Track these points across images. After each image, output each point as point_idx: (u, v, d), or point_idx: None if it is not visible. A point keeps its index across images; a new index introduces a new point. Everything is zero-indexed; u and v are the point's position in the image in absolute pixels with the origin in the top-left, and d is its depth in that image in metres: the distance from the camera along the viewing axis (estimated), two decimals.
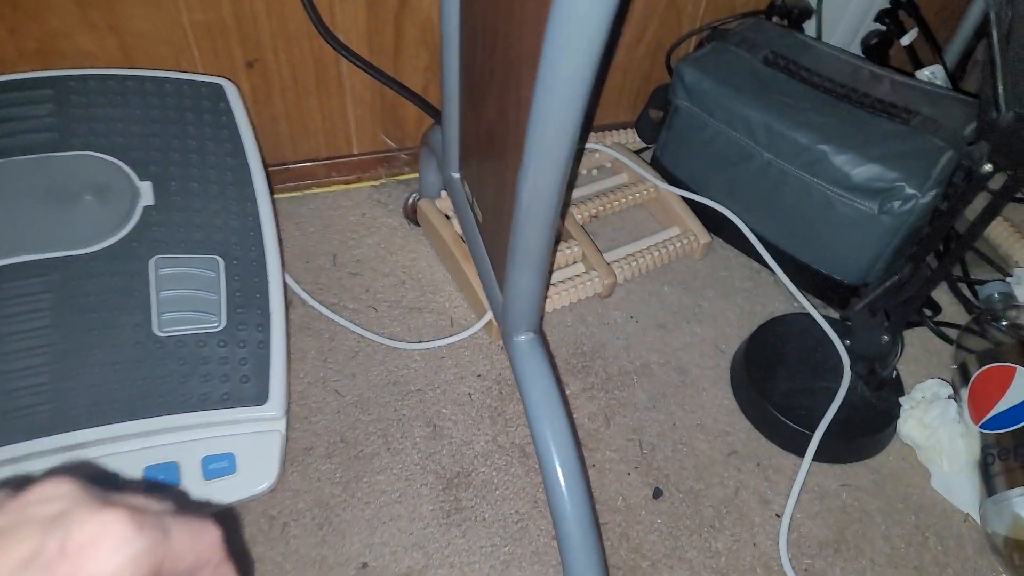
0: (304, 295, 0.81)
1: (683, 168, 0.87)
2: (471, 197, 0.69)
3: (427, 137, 0.79)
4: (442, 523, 0.65)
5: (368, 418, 0.72)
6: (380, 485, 0.68)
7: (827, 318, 0.77)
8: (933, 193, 0.70)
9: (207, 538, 0.26)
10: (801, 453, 0.70)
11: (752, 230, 0.83)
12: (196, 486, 0.57)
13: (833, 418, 0.69)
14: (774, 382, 0.73)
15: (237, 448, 0.59)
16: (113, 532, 0.22)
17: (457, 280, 0.82)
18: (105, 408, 0.57)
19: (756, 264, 0.86)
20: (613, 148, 0.91)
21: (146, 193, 0.66)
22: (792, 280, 0.81)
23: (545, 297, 0.58)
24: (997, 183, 0.59)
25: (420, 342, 0.78)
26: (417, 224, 0.88)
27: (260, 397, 0.61)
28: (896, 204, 0.71)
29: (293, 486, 0.66)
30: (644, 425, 0.73)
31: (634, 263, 0.82)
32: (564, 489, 0.55)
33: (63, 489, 0.23)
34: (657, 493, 0.68)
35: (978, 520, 0.66)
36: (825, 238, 0.77)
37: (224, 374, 0.60)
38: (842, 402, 0.71)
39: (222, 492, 0.58)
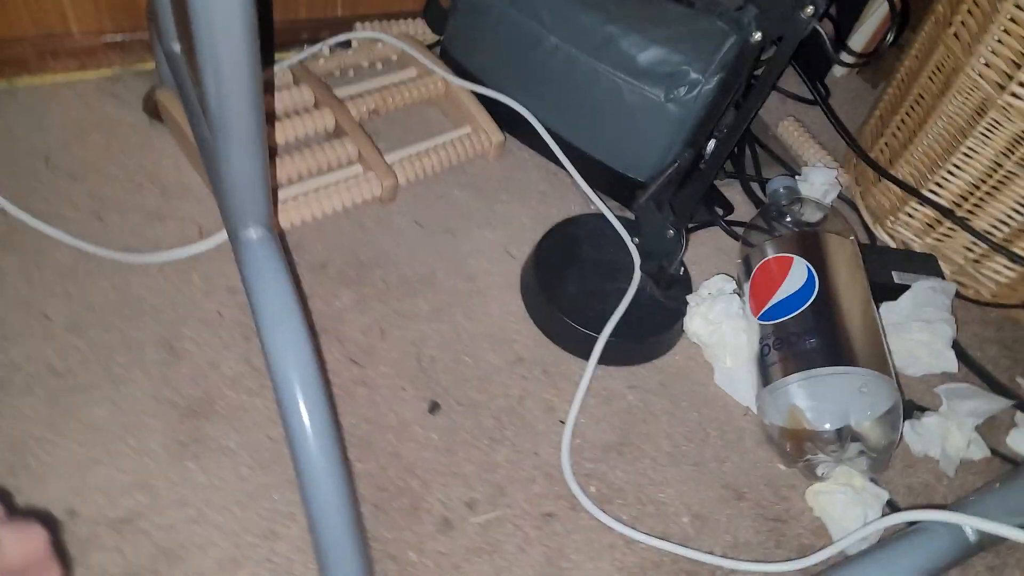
0: (3, 203, 0.65)
1: (473, 60, 0.79)
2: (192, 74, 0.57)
3: (149, 7, 0.65)
4: (175, 457, 0.55)
5: (84, 344, 0.59)
6: (97, 421, 0.56)
7: (620, 219, 0.74)
8: (717, 78, 0.66)
9: (35, 540, 0.29)
10: (589, 357, 0.66)
11: (546, 127, 0.77)
12: None
13: (621, 319, 0.66)
14: (563, 286, 0.68)
15: None
16: None
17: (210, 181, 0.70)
18: None
19: (553, 165, 0.81)
20: (399, 39, 0.81)
21: None
22: (586, 180, 0.76)
23: (269, 184, 0.48)
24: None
25: (156, 251, 0.65)
26: (161, 120, 0.74)
27: None
28: (682, 91, 0.67)
29: None
30: (424, 337, 0.66)
31: (418, 163, 0.74)
32: (306, 418, 0.47)
33: None
34: (434, 407, 0.62)
35: (756, 412, 0.65)
36: (616, 131, 0.72)
37: None
38: (631, 303, 0.67)
39: None
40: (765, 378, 0.62)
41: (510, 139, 0.81)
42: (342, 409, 0.60)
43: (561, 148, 0.76)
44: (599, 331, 0.65)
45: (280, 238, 0.66)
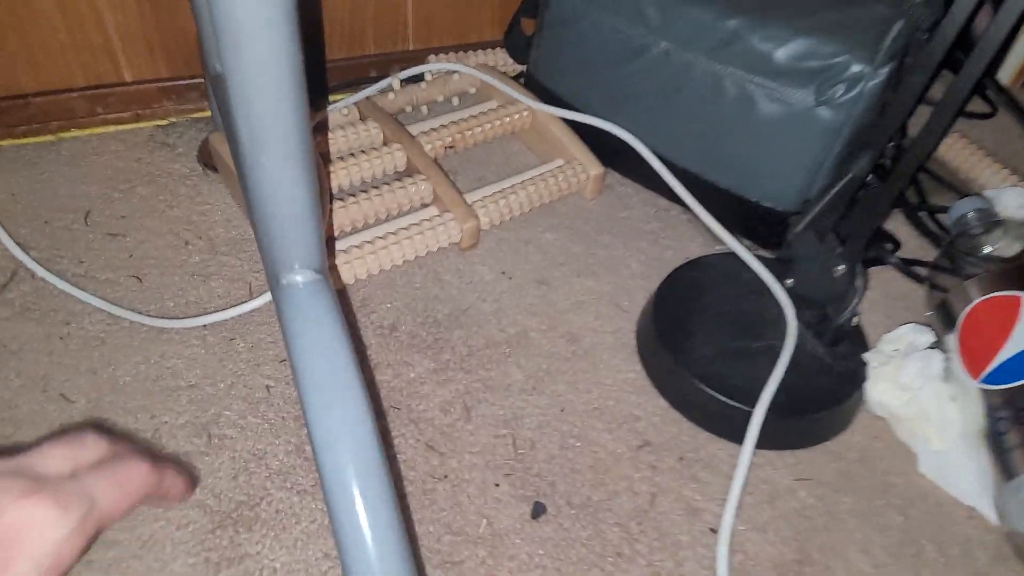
0: (32, 264, 0.56)
1: (564, 83, 0.67)
2: None
3: (200, 44, 0.56)
4: None
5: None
6: (110, 533, 0.44)
7: (759, 257, 0.58)
8: (887, 70, 0.52)
9: (136, 479, 0.26)
10: (739, 439, 0.50)
11: (655, 152, 0.63)
12: None
13: (778, 387, 0.50)
14: (695, 344, 0.53)
15: None
16: (39, 519, 0.22)
17: None
18: None
19: (663, 200, 0.67)
20: (477, 69, 0.70)
21: None
22: (710, 214, 0.62)
23: (321, 218, 0.37)
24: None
25: (198, 316, 0.54)
26: (215, 170, 0.65)
27: None
28: (838, 89, 0.53)
29: None
30: (520, 415, 0.52)
31: (504, 203, 0.62)
32: (366, 528, 0.33)
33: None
34: (538, 510, 0.47)
35: (990, 515, 0.47)
36: (747, 151, 0.58)
37: None
38: (789, 365, 0.51)
39: None
40: (1005, 467, 0.44)
41: (610, 174, 0.68)
42: (418, 515, 0.46)
43: (676, 177, 0.63)
44: (750, 403, 0.49)
45: (340, 296, 0.54)
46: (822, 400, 0.51)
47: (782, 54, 0.53)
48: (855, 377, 0.52)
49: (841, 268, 0.49)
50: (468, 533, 0.45)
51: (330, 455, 0.34)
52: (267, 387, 0.51)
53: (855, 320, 0.52)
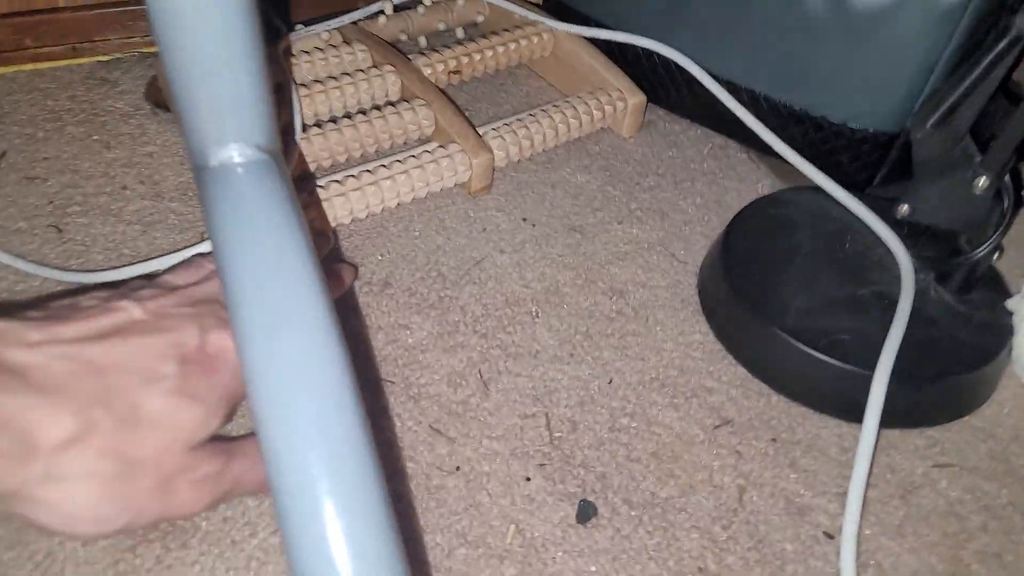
0: None
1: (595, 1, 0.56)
2: None
3: None
4: None
5: None
6: None
7: (852, 191, 0.46)
8: None
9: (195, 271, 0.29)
10: (849, 414, 0.37)
11: (710, 73, 0.52)
12: None
13: (901, 345, 0.37)
14: (780, 296, 0.40)
15: None
16: (232, 347, 0.24)
17: None
18: None
19: (719, 138, 0.55)
20: None
21: None
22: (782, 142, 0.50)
23: (268, 94, 0.25)
24: None
25: (125, 266, 0.42)
26: (167, 109, 0.53)
27: None
28: None
29: None
30: (554, 388, 0.39)
31: (524, 133, 0.49)
32: (342, 549, 0.20)
33: (212, 290, 0.27)
34: (586, 512, 0.34)
35: None
36: (833, 58, 0.46)
37: None
38: (909, 317, 0.39)
39: None
40: None
41: (651, 109, 0.56)
42: (422, 520, 0.33)
43: (735, 98, 0.51)
44: (864, 366, 0.37)
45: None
46: (959, 361, 0.38)
47: None
48: (999, 330, 0.39)
49: (983, 181, 0.37)
50: (491, 545, 0.32)
51: (280, 425, 0.21)
52: None
53: (996, 256, 0.39)
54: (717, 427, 0.38)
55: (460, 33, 0.60)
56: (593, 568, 0.32)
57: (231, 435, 0.29)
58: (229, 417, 0.26)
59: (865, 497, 0.34)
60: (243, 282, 0.22)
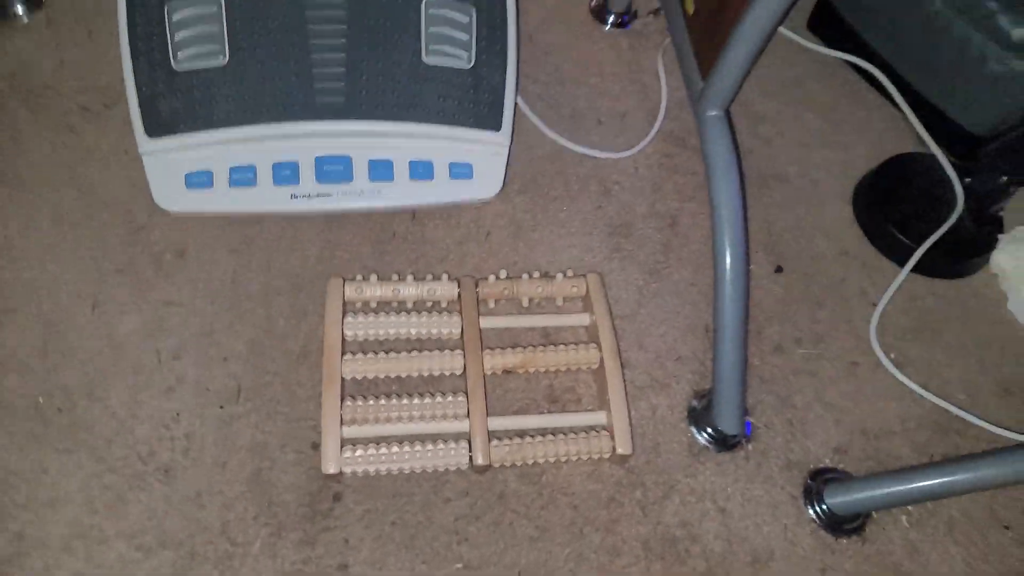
0: None
1: (859, 16, 0.95)
2: None
3: None
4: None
5: (552, 169, 0.87)
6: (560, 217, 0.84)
7: (953, 164, 0.89)
8: None
9: None
10: (903, 262, 0.84)
11: (894, 74, 0.93)
12: (443, 182, 0.74)
13: (938, 239, 0.83)
14: (892, 203, 0.86)
15: (475, 160, 0.75)
16: None
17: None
18: (385, 108, 0.72)
19: (884, 101, 0.96)
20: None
21: None
22: (920, 121, 0.92)
23: (744, 78, 0.70)
24: None
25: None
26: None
27: (495, 125, 0.75)
28: None
29: (495, 209, 0.82)
30: (776, 218, 0.87)
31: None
32: (728, 253, 0.69)
33: None
34: (779, 269, 0.84)
35: None
36: (967, 90, 0.87)
37: (472, 101, 0.74)
38: (948, 231, 0.84)
39: (460, 191, 0.75)
40: None
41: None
42: None
43: (898, 89, 0.92)
44: (916, 242, 0.83)
45: None
46: (963, 252, 0.84)
47: (1017, 34, 0.81)
48: (988, 245, 0.85)
49: (1004, 178, 0.80)
50: None
51: (719, 214, 0.71)
52: (635, 169, 0.89)
53: (1000, 212, 0.84)
54: (840, 253, 0.86)
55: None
56: (777, 289, 0.83)
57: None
58: None
59: (893, 296, 0.83)
60: (717, 174, 0.70)
